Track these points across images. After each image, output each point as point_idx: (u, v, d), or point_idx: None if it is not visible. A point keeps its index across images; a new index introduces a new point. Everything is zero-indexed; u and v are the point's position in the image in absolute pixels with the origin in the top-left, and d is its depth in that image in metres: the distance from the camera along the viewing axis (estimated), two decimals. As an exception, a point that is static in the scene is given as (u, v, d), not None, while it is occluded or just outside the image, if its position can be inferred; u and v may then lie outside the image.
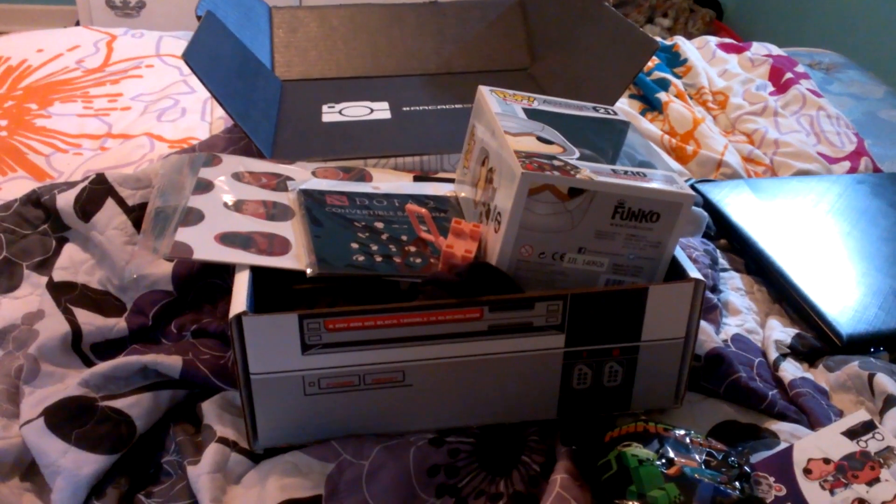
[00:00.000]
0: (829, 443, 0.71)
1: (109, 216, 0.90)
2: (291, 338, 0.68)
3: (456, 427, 0.75)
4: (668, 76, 1.42)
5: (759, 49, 1.59)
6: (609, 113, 0.88)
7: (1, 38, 1.50)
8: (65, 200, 0.92)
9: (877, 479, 0.68)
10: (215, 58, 1.03)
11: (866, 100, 1.47)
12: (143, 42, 1.49)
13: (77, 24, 2.63)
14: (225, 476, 0.71)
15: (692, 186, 1.14)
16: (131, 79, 1.37)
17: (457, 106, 1.23)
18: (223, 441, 0.72)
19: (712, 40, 1.63)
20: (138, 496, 0.70)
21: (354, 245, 0.78)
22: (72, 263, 0.89)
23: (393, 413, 0.73)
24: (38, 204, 0.96)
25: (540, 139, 0.76)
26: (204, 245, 0.74)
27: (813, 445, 0.71)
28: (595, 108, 0.89)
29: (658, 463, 0.64)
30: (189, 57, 0.93)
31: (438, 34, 1.38)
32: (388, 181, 0.95)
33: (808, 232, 1.03)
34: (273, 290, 0.80)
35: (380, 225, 0.83)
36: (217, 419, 0.74)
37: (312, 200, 0.84)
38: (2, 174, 1.11)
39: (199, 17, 1.06)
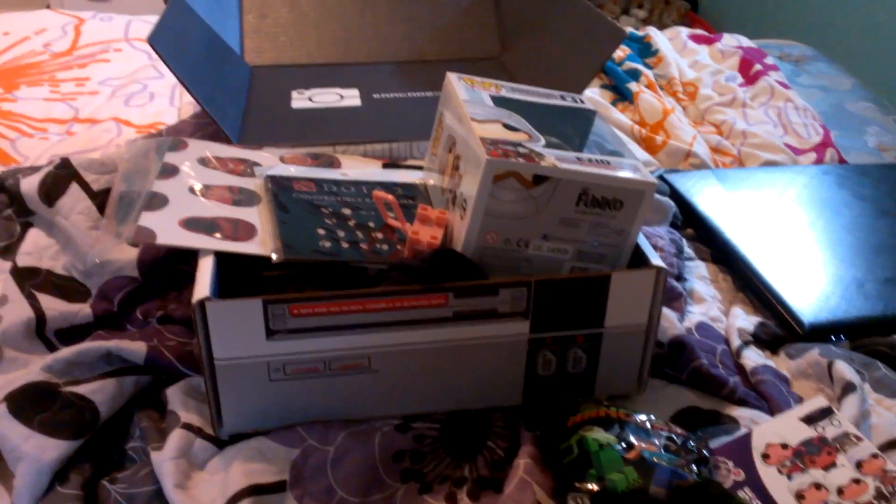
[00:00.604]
0: (787, 428, 0.73)
1: (74, 201, 0.89)
2: (256, 323, 0.68)
3: (422, 413, 0.75)
4: (640, 67, 1.43)
5: (729, 41, 1.61)
6: (576, 101, 0.89)
7: (-34, 21, 1.47)
8: (29, 185, 0.91)
9: (833, 465, 0.70)
10: (182, 42, 1.02)
11: (834, 92, 1.49)
12: (112, 26, 1.48)
13: (48, 7, 2.59)
14: (189, 462, 0.71)
15: (660, 176, 1.15)
16: (99, 63, 1.35)
17: (427, 94, 1.23)
18: (188, 427, 0.72)
19: (684, 31, 1.64)
20: (102, 482, 0.70)
21: (321, 231, 0.78)
22: (36, 249, 0.88)
23: (358, 399, 0.74)
24: (3, 188, 0.95)
25: (506, 126, 0.77)
26: (168, 230, 0.74)
27: (771, 431, 0.72)
28: (562, 97, 0.89)
29: (618, 447, 0.65)
30: (154, 41, 0.92)
31: (410, 21, 1.38)
32: (357, 168, 0.95)
33: (774, 222, 1.05)
34: (241, 276, 0.79)
35: (347, 211, 0.83)
36: (182, 405, 0.74)
37: (279, 186, 0.84)
38: (-35, 158, 1.09)
39: (165, 1, 1.05)
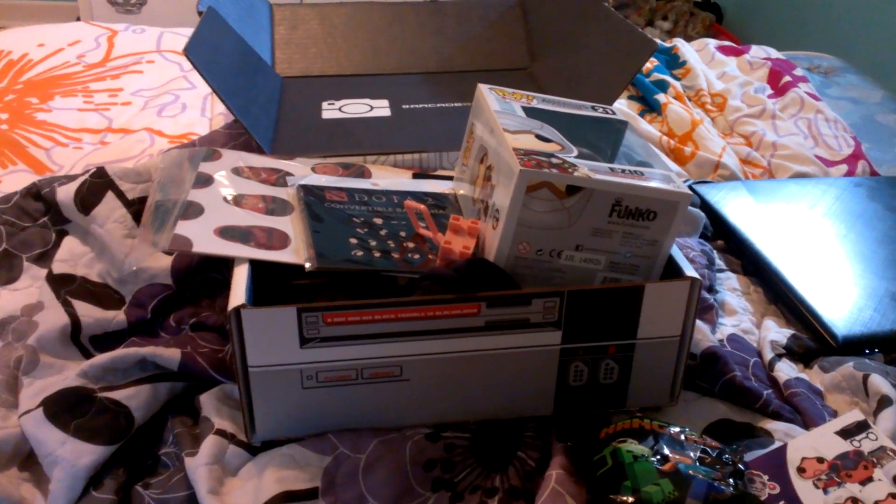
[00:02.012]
0: (822, 442, 0.72)
1: (109, 209, 0.91)
2: (290, 331, 0.68)
3: (453, 422, 0.75)
4: (667, 78, 1.43)
5: (757, 52, 1.60)
6: (607, 112, 0.89)
7: (2, 33, 1.50)
8: (65, 193, 0.92)
9: (870, 479, 0.69)
10: (216, 53, 1.03)
11: (864, 104, 1.48)
12: (144, 37, 1.50)
13: (78, 19, 2.63)
14: (222, 468, 0.71)
15: (690, 187, 1.15)
16: (132, 74, 1.37)
17: (456, 104, 1.23)
18: (221, 433, 0.73)
19: (711, 43, 1.64)
20: (136, 487, 0.71)
21: (353, 240, 0.79)
22: (71, 256, 0.89)
23: (390, 407, 0.74)
24: (39, 197, 0.97)
25: (538, 137, 0.77)
26: (203, 238, 0.75)
27: (807, 444, 0.72)
28: (593, 108, 0.89)
29: (653, 459, 0.65)
30: (190, 52, 0.93)
31: (439, 33, 1.39)
32: (388, 178, 0.95)
33: (805, 234, 1.04)
34: (272, 285, 0.80)
35: (378, 221, 0.83)
36: (215, 412, 0.75)
37: (312, 196, 0.85)
38: (2, 167, 1.11)
39: (200, 14, 1.07)
